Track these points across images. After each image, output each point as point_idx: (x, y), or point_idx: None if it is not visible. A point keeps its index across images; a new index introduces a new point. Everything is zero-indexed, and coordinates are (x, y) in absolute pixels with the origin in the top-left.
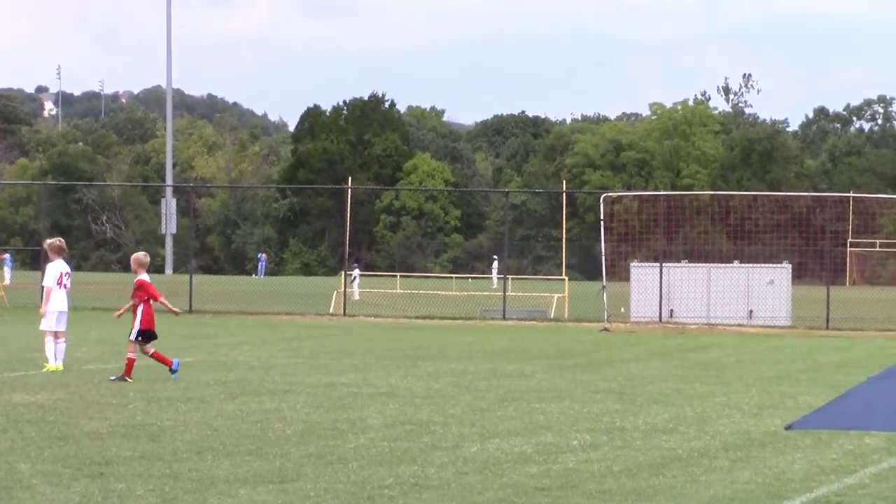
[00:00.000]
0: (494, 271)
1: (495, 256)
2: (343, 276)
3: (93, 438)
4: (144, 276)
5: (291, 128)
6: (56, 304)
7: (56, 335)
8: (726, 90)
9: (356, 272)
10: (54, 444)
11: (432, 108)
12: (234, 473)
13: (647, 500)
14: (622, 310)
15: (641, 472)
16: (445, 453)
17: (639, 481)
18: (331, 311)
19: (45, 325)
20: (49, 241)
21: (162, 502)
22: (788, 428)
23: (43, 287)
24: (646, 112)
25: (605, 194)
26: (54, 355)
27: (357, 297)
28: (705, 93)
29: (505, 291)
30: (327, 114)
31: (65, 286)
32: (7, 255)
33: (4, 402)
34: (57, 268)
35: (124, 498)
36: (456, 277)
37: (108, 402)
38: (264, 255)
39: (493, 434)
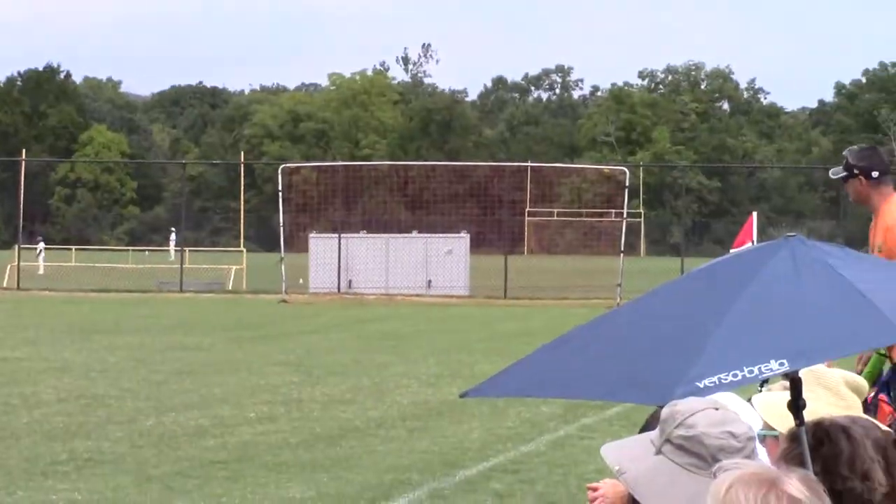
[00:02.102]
0: (172, 243)
1: (173, 229)
2: (17, 249)
3: None
4: None
5: None
6: None
7: None
8: (405, 60)
9: (41, 245)
10: None
11: (109, 79)
12: None
13: (324, 470)
14: (301, 281)
15: (318, 443)
16: (120, 427)
17: (316, 452)
18: (4, 284)
19: None
20: None
21: None
22: (463, 396)
23: None
24: (325, 83)
25: (283, 165)
26: None
27: (42, 270)
28: (384, 63)
29: (182, 264)
30: (1, 85)
31: None
32: None
33: None
34: None
35: None
36: (133, 250)
37: None
38: None
39: (170, 408)
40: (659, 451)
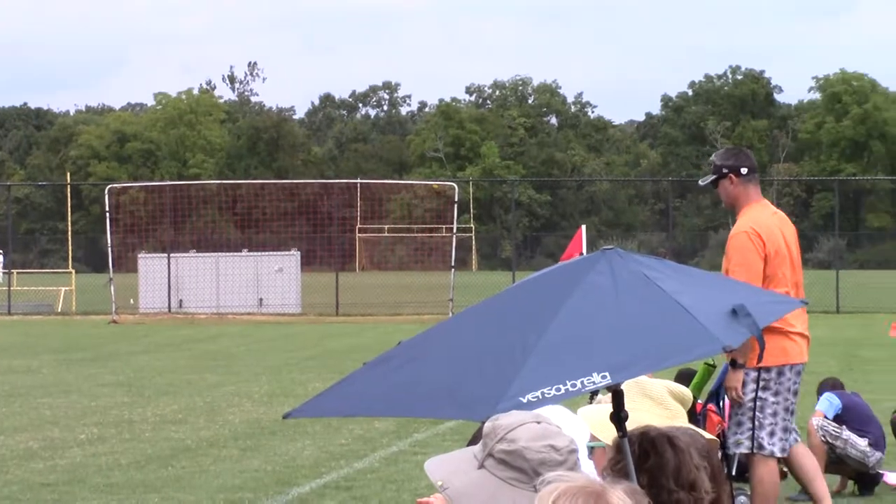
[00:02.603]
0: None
1: (1, 251)
2: None
3: None
4: None
5: None
6: None
7: None
8: (231, 79)
9: None
10: None
11: None
12: None
13: (155, 491)
14: (132, 301)
15: (150, 463)
16: None
17: (147, 473)
18: None
19: None
20: None
21: None
22: (287, 416)
23: None
24: (151, 102)
25: (109, 186)
26: None
27: None
28: (210, 81)
29: (10, 286)
30: None
31: None
32: None
33: None
34: None
35: None
36: None
37: None
38: None
39: None
40: (481, 466)
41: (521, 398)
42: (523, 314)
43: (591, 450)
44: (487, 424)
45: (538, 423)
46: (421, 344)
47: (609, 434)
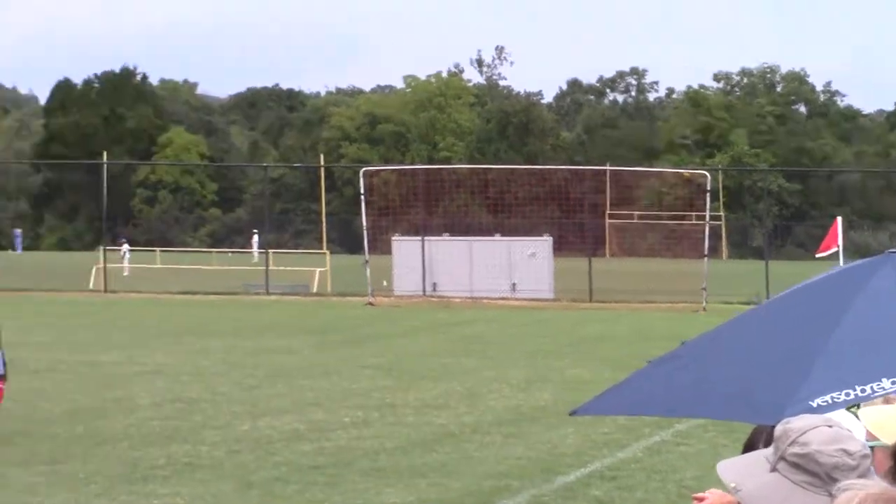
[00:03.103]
0: (255, 245)
1: (255, 230)
2: (102, 251)
3: None
4: None
5: (42, 101)
6: None
7: None
8: (479, 62)
9: (125, 247)
10: None
11: (185, 81)
12: (3, 455)
13: (422, 476)
14: (384, 283)
15: (414, 448)
16: (217, 432)
17: (412, 458)
18: (91, 286)
19: None
20: None
21: None
22: (573, 414)
23: None
24: (399, 84)
25: (364, 168)
26: None
27: (127, 272)
28: (458, 65)
29: (267, 266)
30: (79, 87)
31: None
32: None
33: None
34: None
35: None
36: (217, 252)
37: None
38: (19, 230)
39: (264, 412)
40: (774, 469)
41: (810, 402)
42: (806, 318)
43: (872, 450)
44: (778, 428)
45: (829, 426)
46: (706, 344)
47: (889, 435)
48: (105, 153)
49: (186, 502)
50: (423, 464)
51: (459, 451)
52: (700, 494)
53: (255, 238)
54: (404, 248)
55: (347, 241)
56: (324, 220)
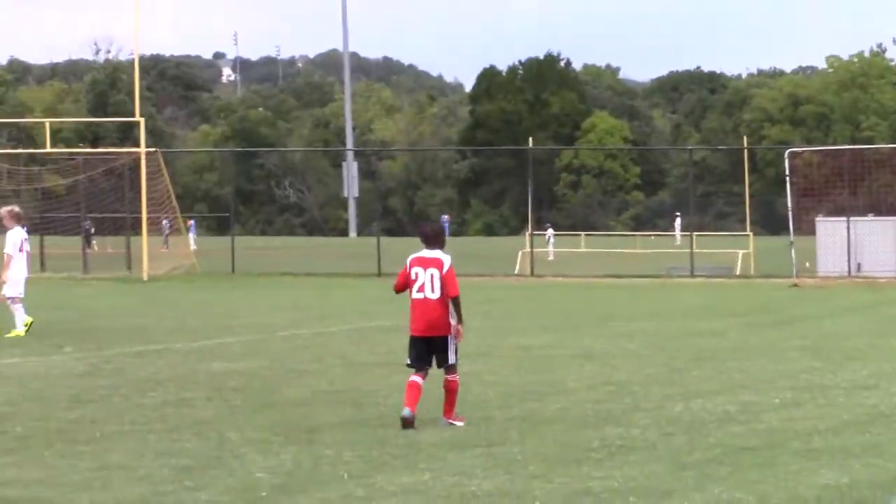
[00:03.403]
0: (677, 228)
1: (678, 213)
2: (528, 236)
3: (297, 405)
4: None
5: (467, 89)
6: (19, 270)
7: (14, 300)
8: None
9: (550, 232)
10: (260, 411)
11: (607, 66)
12: (441, 438)
13: (855, 457)
14: (807, 265)
15: (846, 429)
16: (648, 414)
17: (845, 439)
18: (516, 271)
19: (10, 291)
20: (6, 209)
21: (372, 468)
22: None
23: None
24: (821, 65)
25: (789, 150)
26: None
27: (552, 257)
28: (881, 44)
29: (692, 248)
30: (503, 74)
31: (26, 252)
32: (191, 223)
33: (207, 369)
34: (17, 235)
35: (334, 464)
36: (640, 235)
37: (307, 368)
38: (447, 216)
39: (695, 394)
40: None
41: None
42: None
43: None
44: None
45: None
46: None
47: None
48: (530, 139)
49: (620, 484)
50: (855, 445)
51: (892, 431)
52: None
53: (678, 221)
54: (829, 228)
55: (769, 223)
56: (747, 201)
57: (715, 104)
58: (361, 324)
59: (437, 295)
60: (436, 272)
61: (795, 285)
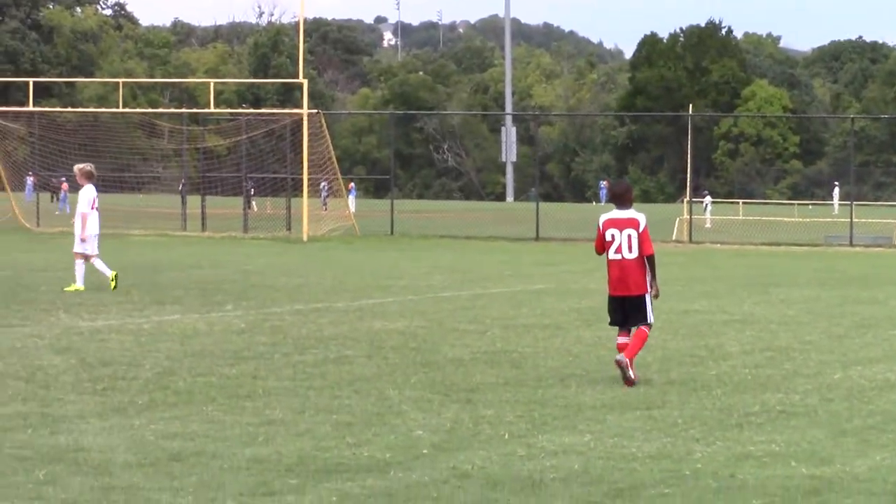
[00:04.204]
0: (835, 197)
1: (836, 182)
2: (686, 203)
3: (456, 365)
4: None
5: (626, 56)
6: (92, 227)
7: (88, 257)
8: None
9: (707, 199)
10: (419, 370)
11: (768, 35)
12: (600, 400)
13: None
14: None
15: None
16: (808, 380)
17: None
18: (674, 237)
19: (82, 248)
20: (79, 166)
21: (532, 428)
22: None
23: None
24: None
25: None
26: (83, 276)
27: (708, 224)
28: None
29: (851, 217)
30: (664, 41)
31: (97, 209)
32: (352, 185)
33: (367, 328)
34: (89, 193)
35: (494, 424)
36: (798, 204)
37: (466, 328)
38: (605, 182)
39: (854, 361)
40: None
41: None
42: None
43: None
44: None
45: None
46: None
47: None
48: (690, 106)
49: (782, 449)
50: None
51: None
52: None
53: (836, 190)
54: None
55: None
56: None
57: (876, 74)
58: (520, 286)
59: (634, 255)
60: (633, 232)
61: None
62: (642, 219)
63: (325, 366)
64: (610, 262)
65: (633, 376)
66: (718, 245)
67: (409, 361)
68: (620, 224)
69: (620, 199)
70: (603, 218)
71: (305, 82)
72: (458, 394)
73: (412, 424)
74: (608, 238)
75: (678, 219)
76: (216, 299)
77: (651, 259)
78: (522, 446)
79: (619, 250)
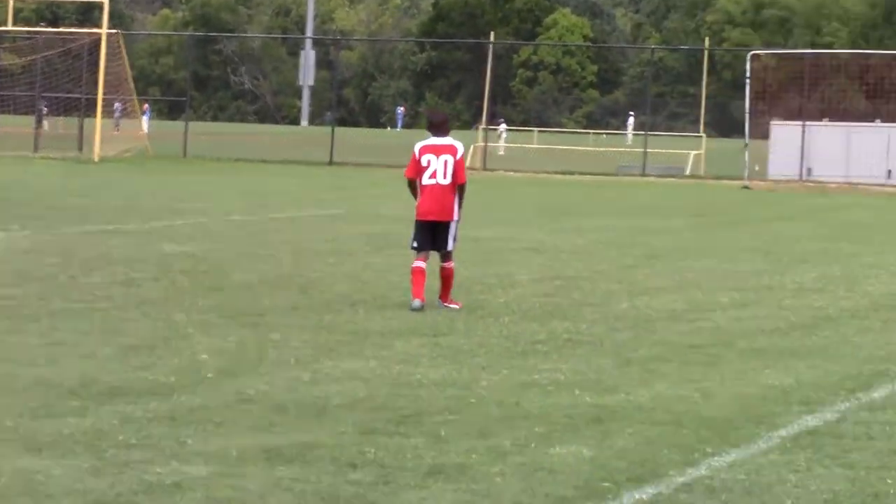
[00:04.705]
0: (629, 127)
1: (631, 113)
2: (481, 130)
3: (245, 289)
4: None
5: None
6: None
7: None
8: None
9: (503, 127)
10: (208, 293)
11: None
12: (387, 326)
13: (800, 358)
14: (756, 168)
15: (793, 331)
16: (595, 309)
17: (791, 340)
18: (468, 164)
19: None
20: None
21: (318, 353)
22: None
23: None
24: None
25: (751, 52)
26: None
27: (502, 152)
28: None
29: (645, 148)
30: None
31: None
32: (146, 106)
33: (156, 251)
34: None
35: (280, 348)
36: (593, 133)
37: (257, 252)
38: (402, 108)
39: (642, 291)
40: None
41: None
42: None
43: None
44: None
45: None
46: None
47: None
48: (492, 33)
49: (567, 377)
50: (801, 346)
51: (838, 334)
52: None
53: (630, 120)
54: (783, 133)
55: (722, 125)
56: (703, 103)
57: (678, 4)
58: (312, 211)
59: (448, 181)
60: (450, 158)
61: (746, 187)
62: (460, 147)
63: (112, 288)
64: (423, 188)
65: (456, 306)
66: (512, 173)
67: (198, 285)
68: (438, 150)
69: (438, 128)
70: (419, 144)
71: (106, 2)
72: (245, 318)
73: (198, 348)
74: (423, 163)
75: (472, 146)
76: (2, 218)
77: (463, 188)
78: (308, 371)
79: (433, 175)
